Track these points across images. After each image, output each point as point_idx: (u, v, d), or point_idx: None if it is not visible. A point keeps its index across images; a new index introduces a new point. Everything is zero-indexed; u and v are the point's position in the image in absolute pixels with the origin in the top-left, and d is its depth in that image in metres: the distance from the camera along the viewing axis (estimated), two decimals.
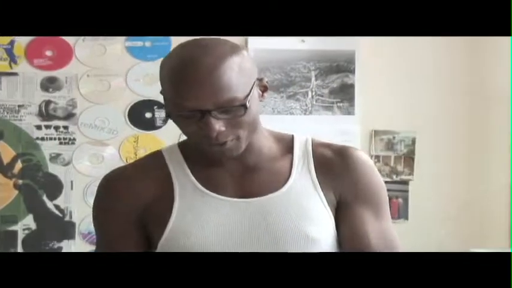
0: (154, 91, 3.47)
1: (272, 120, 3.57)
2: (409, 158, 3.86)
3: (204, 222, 1.86)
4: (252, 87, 1.77)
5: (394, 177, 3.91)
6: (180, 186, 1.88)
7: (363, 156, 1.94)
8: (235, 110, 1.72)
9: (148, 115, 3.68)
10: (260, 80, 1.81)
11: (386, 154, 3.85)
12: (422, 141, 3.86)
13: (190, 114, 1.71)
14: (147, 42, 3.73)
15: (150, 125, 3.68)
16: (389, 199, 3.87)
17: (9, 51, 3.58)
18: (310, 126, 3.76)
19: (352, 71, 3.81)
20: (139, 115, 3.67)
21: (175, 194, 1.87)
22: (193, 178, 1.88)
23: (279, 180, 1.90)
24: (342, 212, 1.91)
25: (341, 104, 3.82)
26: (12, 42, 3.56)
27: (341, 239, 1.92)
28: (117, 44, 3.68)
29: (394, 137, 3.87)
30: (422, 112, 3.87)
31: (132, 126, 3.65)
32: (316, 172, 1.91)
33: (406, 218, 3.94)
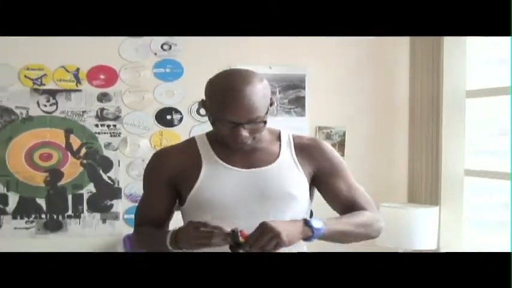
0: (172, 101, 3.77)
1: None
2: (341, 145, 3.98)
3: (221, 183, 1.91)
4: (268, 107, 1.85)
5: None
6: (206, 160, 1.93)
7: (326, 142, 2.06)
8: (258, 123, 1.82)
9: (168, 117, 3.77)
10: (271, 99, 1.89)
11: (327, 142, 3.80)
12: (350, 133, 3.99)
13: (228, 123, 1.80)
14: (167, 69, 3.76)
15: (170, 124, 3.76)
16: None
17: (76, 76, 3.64)
18: (276, 125, 3.68)
19: (304, 88, 3.92)
20: (163, 117, 3.76)
21: (202, 165, 1.92)
22: (214, 155, 1.93)
23: (271, 158, 1.95)
24: (322, 180, 1.98)
25: (296, 110, 3.93)
26: (77, 70, 3.62)
27: (324, 196, 2.00)
28: (147, 71, 3.73)
29: (331, 131, 3.98)
30: (350, 114, 3.99)
31: (158, 125, 3.76)
32: (295, 153, 1.97)
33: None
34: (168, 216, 1.99)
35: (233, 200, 1.90)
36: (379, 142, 4.05)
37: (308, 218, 1.88)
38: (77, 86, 3.65)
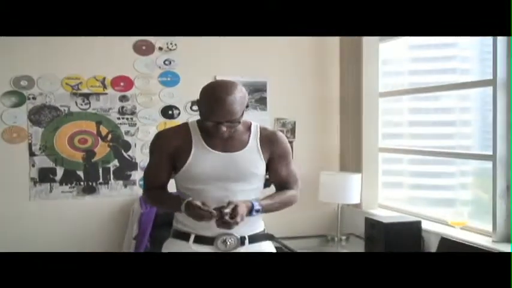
0: (172, 101, 3.88)
1: None
2: (292, 131, 4.08)
3: (205, 161, 1.96)
4: (243, 111, 1.90)
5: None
6: (195, 142, 1.97)
7: (281, 134, 2.12)
8: (234, 123, 1.88)
9: (170, 112, 3.89)
10: (247, 103, 1.94)
11: (282, 129, 4.02)
12: (298, 122, 4.12)
13: (212, 122, 1.87)
14: (168, 78, 3.84)
15: (171, 117, 3.88)
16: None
17: (103, 83, 3.75)
18: (247, 117, 3.45)
19: (266, 91, 4.03)
20: (166, 112, 3.88)
21: (192, 146, 1.96)
22: (202, 140, 1.98)
23: (241, 145, 1.99)
24: (272, 162, 2.04)
25: (260, 106, 4.03)
26: (104, 78, 3.75)
27: (269, 173, 2.07)
28: (154, 79, 3.85)
29: (285, 121, 4.08)
30: (298, 109, 4.13)
31: (163, 117, 3.87)
32: (260, 142, 2.01)
33: (292, 157, 3.70)
34: (168, 180, 2.06)
35: (214, 175, 1.96)
36: (319, 128, 4.19)
37: (262, 188, 2.04)
38: (104, 90, 3.77)
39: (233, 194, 1.95)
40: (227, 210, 1.82)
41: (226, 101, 1.83)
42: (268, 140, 2.04)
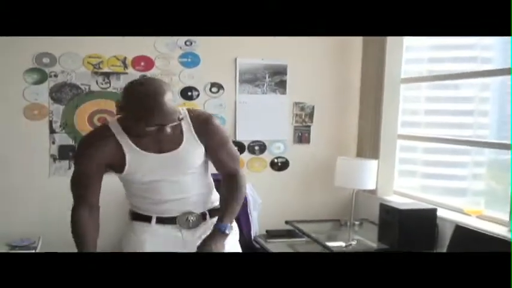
0: (192, 82, 3.90)
1: (249, 97, 3.89)
2: (311, 115, 4.10)
3: (144, 166, 1.86)
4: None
5: (304, 124, 4.06)
6: (126, 147, 1.86)
7: (211, 118, 1.92)
8: (175, 122, 1.76)
9: (189, 93, 3.91)
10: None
11: (301, 113, 4.07)
12: (317, 107, 4.14)
13: (156, 126, 1.72)
14: (189, 59, 3.87)
15: (190, 98, 3.90)
16: (302, 134, 4.00)
17: (124, 62, 3.79)
18: (266, 100, 3.94)
19: (286, 73, 4.03)
20: (185, 93, 3.92)
21: (125, 153, 1.86)
22: (132, 143, 1.86)
23: (177, 140, 1.86)
24: (212, 148, 1.93)
25: (280, 89, 4.03)
26: (125, 58, 3.78)
27: (213, 161, 1.99)
28: (174, 60, 3.87)
29: (304, 105, 4.10)
30: (318, 93, 4.14)
31: (182, 99, 3.90)
32: (194, 130, 1.88)
33: (309, 142, 4.09)
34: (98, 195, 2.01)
35: (157, 176, 1.89)
36: (338, 113, 4.21)
37: (210, 179, 2.02)
38: (124, 70, 3.80)
39: (184, 183, 1.93)
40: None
41: (165, 101, 1.70)
42: (203, 125, 1.91)
